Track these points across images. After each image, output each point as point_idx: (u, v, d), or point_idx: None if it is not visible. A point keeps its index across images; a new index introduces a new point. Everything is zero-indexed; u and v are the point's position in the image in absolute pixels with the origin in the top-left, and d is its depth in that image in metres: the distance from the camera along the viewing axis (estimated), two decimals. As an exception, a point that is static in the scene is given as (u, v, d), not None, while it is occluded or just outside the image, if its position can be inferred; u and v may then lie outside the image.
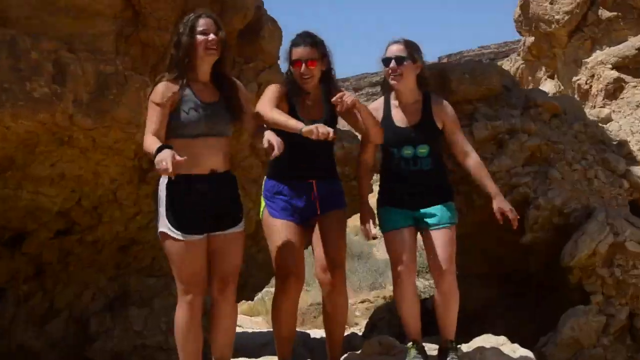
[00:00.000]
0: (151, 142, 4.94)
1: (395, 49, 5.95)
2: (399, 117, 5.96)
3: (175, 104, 5.18)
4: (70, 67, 9.22)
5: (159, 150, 4.73)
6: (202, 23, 5.25)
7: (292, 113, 5.61)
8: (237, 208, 5.34)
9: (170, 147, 4.77)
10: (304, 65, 5.57)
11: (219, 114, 5.12)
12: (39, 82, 8.85)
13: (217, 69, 5.35)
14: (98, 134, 9.69)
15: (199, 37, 5.20)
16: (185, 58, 5.22)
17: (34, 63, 8.85)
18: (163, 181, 5.12)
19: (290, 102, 5.73)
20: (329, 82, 5.76)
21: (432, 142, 6.00)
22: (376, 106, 6.09)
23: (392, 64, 5.90)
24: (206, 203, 5.01)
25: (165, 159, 4.61)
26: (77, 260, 12.02)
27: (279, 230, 5.51)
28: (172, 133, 5.08)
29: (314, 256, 5.70)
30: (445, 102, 6.15)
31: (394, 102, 6.02)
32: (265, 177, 5.91)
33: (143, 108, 9.74)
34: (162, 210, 5.03)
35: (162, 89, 5.12)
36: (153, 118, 5.11)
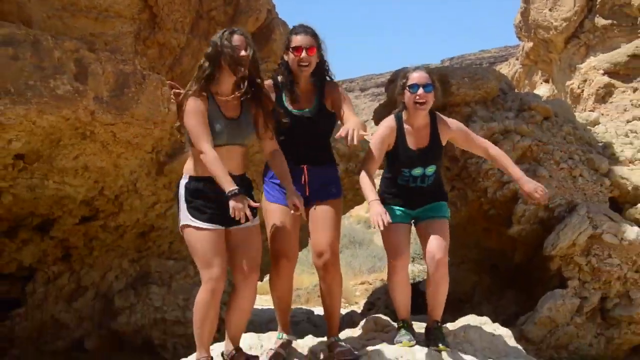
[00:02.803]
0: (218, 169, 4.79)
1: (421, 77, 5.79)
2: (411, 141, 5.86)
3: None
4: (91, 66, 9.10)
5: (234, 194, 4.70)
6: (236, 39, 5.04)
7: (279, 103, 5.48)
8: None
9: (241, 192, 4.77)
10: (304, 51, 5.40)
11: (240, 128, 5.01)
12: (61, 79, 8.73)
13: (246, 83, 5.15)
14: (118, 129, 9.60)
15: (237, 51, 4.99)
16: (216, 71, 5.02)
17: (57, 62, 8.73)
18: (183, 182, 5.06)
19: (279, 93, 5.54)
20: (322, 74, 5.62)
21: (439, 161, 5.97)
22: (390, 125, 5.93)
23: (421, 91, 5.73)
24: (221, 200, 4.93)
25: (241, 209, 4.68)
26: (101, 244, 12.05)
27: (273, 213, 5.44)
28: None
29: (310, 243, 5.64)
30: (449, 120, 6.06)
31: (406, 126, 5.92)
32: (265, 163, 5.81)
33: (160, 106, 9.78)
34: (183, 205, 5.00)
35: (198, 102, 4.91)
36: (202, 127, 4.86)
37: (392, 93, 13.41)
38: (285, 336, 5.53)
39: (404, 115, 5.87)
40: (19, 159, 9.26)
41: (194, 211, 4.92)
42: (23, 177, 9.53)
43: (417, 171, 5.80)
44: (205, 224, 4.90)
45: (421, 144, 5.83)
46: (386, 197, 5.92)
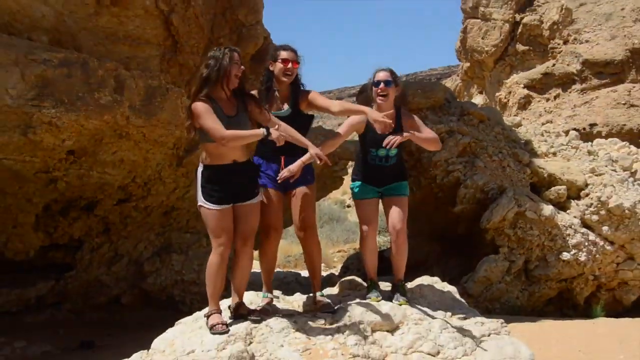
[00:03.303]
0: (246, 132, 4.79)
1: (384, 75, 5.70)
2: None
3: None
4: (126, 81, 9.14)
5: (268, 132, 4.71)
6: (235, 57, 4.94)
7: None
8: (254, 186, 5.21)
9: (268, 128, 4.78)
10: (290, 63, 5.36)
11: (239, 123, 4.90)
12: (104, 92, 8.79)
13: (238, 89, 5.02)
14: (147, 130, 9.60)
15: (234, 66, 4.90)
16: (218, 79, 4.84)
17: (100, 78, 8.78)
18: (199, 170, 5.02)
19: (261, 101, 5.33)
20: (297, 85, 5.59)
21: (400, 146, 5.91)
22: (362, 117, 5.93)
23: (382, 86, 5.64)
24: (229, 183, 4.91)
25: (280, 136, 4.73)
26: (134, 221, 12.00)
27: (263, 195, 5.42)
28: (206, 138, 4.86)
29: (293, 219, 5.62)
30: (410, 114, 6.02)
31: None
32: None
33: (180, 112, 9.77)
34: (199, 189, 4.97)
35: (205, 105, 4.75)
36: (218, 123, 4.72)
37: (361, 102, 13.41)
38: (268, 295, 5.53)
39: (374, 107, 5.84)
40: (70, 154, 9.26)
41: (207, 195, 4.87)
42: (74, 168, 9.51)
43: (382, 152, 5.73)
44: (215, 205, 4.84)
45: (386, 130, 5.78)
46: (358, 176, 5.91)
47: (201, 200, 4.91)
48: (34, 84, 8.10)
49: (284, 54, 5.38)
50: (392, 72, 5.79)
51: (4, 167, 8.80)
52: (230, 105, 4.95)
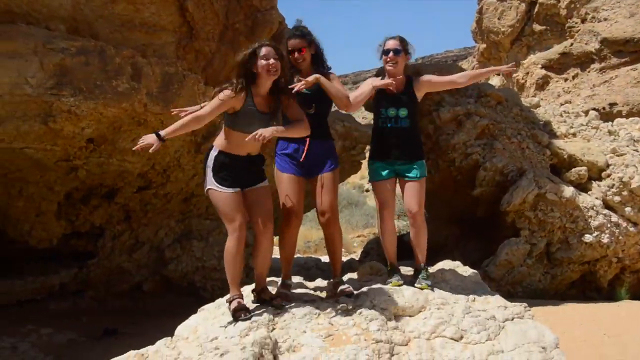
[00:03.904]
0: (181, 123, 4.75)
1: (393, 43, 5.82)
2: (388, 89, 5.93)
3: (238, 108, 4.89)
4: (143, 69, 9.17)
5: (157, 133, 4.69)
6: (264, 50, 4.90)
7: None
8: (261, 173, 5.22)
9: (159, 136, 4.70)
10: (296, 52, 5.38)
11: (269, 122, 4.94)
12: (121, 80, 8.83)
13: (276, 86, 5.01)
14: (165, 117, 9.59)
15: (262, 62, 4.86)
16: (248, 75, 4.88)
17: (118, 66, 8.81)
18: (213, 153, 5.03)
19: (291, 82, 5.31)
20: (318, 62, 5.63)
21: (411, 108, 5.89)
22: (374, 77, 6.03)
23: (391, 54, 5.75)
24: (240, 171, 4.92)
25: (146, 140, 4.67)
26: (154, 208, 12.07)
27: (284, 181, 5.38)
28: (234, 126, 4.90)
29: (316, 205, 5.62)
30: (421, 76, 6.06)
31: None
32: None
33: (197, 98, 9.77)
34: (210, 173, 4.97)
35: (228, 94, 4.79)
36: (215, 107, 4.77)
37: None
38: (287, 281, 5.54)
39: (385, 76, 5.89)
40: (90, 142, 9.35)
41: (219, 179, 4.89)
42: (93, 156, 9.59)
43: (391, 112, 5.76)
44: (227, 188, 4.87)
45: (397, 90, 5.79)
46: (373, 151, 5.91)
47: (212, 184, 4.91)
48: (52, 72, 8.15)
49: (289, 44, 5.44)
50: (402, 40, 5.89)
51: (25, 156, 8.88)
52: (265, 103, 4.98)
